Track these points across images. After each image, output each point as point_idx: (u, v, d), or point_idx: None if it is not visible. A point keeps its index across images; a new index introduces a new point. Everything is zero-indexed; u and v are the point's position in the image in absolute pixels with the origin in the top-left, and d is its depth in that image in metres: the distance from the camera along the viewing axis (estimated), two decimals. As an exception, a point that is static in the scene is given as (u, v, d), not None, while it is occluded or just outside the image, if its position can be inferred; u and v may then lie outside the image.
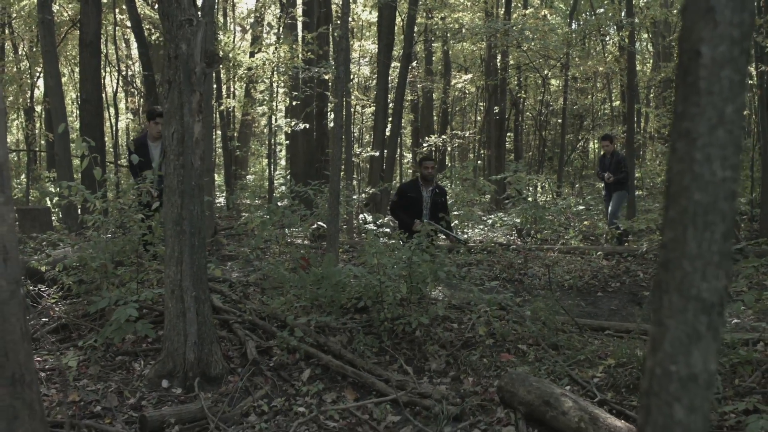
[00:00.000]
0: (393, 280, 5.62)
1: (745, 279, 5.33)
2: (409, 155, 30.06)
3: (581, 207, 14.57)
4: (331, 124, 19.79)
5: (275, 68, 18.01)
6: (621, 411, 4.23)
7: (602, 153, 13.44)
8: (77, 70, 23.29)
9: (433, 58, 28.40)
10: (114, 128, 19.63)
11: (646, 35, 27.59)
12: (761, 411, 3.75)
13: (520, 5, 23.81)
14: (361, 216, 14.64)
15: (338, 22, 16.16)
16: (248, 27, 21.29)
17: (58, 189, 6.42)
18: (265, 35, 21.49)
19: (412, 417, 4.50)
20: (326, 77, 17.54)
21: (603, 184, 13.56)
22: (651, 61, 28.20)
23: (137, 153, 7.85)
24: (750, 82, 17.71)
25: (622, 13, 18.18)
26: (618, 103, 26.49)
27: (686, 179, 1.22)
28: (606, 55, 23.01)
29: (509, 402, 4.52)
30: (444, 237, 9.41)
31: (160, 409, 4.48)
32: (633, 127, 15.82)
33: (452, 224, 9.71)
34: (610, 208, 12.93)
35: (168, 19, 4.92)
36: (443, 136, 23.48)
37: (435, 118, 29.91)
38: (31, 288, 6.54)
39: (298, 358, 5.29)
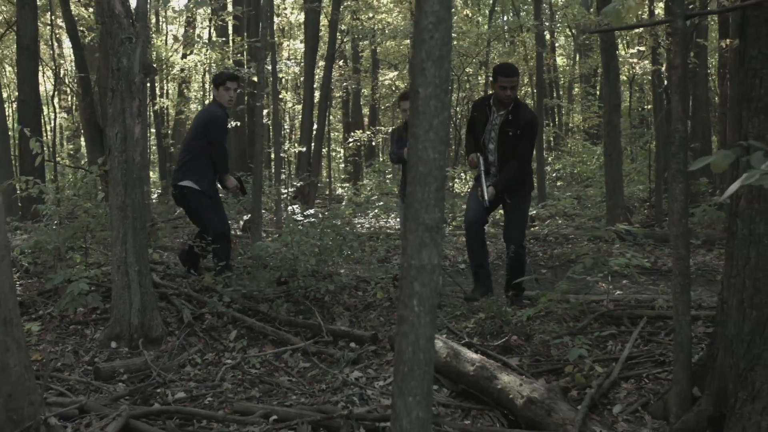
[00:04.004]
0: (305, 255, 6.64)
1: (593, 244, 6.53)
2: (341, 150, 31.12)
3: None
4: (265, 121, 20.71)
5: (206, 70, 18.83)
6: (484, 351, 5.32)
7: (400, 123, 8.16)
8: (9, 69, 23.70)
9: (362, 56, 29.47)
10: (53, 126, 20.22)
11: (569, 32, 29.03)
12: (583, 344, 4.89)
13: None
14: (289, 208, 15.60)
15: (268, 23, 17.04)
16: (179, 35, 21.99)
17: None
18: (197, 38, 22.23)
19: (318, 362, 5.55)
20: (255, 78, 18.42)
21: (401, 170, 8.63)
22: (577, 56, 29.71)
23: (224, 131, 7.35)
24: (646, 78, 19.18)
25: (532, 17, 19.47)
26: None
27: (414, 159, 2.26)
28: (527, 53, 24.30)
29: (397, 347, 5.59)
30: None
31: (111, 362, 5.44)
32: (542, 122, 17.16)
33: (513, 170, 6.74)
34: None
35: (111, 37, 5.83)
36: (367, 132, 24.59)
37: (366, 113, 31.05)
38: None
39: (226, 321, 6.27)
